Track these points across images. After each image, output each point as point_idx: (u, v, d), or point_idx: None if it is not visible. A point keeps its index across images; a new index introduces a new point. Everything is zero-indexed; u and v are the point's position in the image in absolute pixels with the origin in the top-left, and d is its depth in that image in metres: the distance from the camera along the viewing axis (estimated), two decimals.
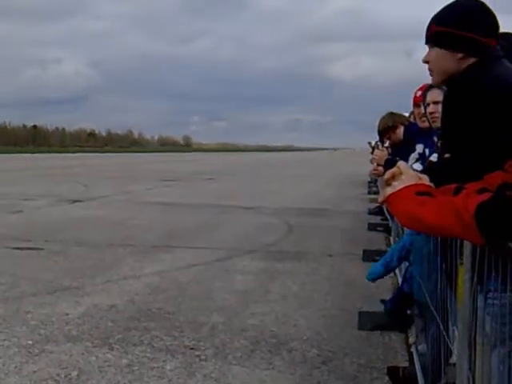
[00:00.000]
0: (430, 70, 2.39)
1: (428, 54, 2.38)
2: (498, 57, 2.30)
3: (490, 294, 2.00)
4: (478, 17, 2.29)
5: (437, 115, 3.85)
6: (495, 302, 1.99)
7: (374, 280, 4.62)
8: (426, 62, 2.39)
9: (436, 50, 2.33)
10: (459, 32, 2.28)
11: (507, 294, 1.82)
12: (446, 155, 2.37)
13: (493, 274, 1.87)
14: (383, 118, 5.80)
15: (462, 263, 2.17)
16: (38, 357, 4.18)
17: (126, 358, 4.19)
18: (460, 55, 2.30)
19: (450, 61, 2.31)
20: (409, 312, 4.54)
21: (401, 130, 5.52)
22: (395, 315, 4.61)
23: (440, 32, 2.32)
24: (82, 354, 4.25)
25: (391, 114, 5.79)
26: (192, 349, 4.40)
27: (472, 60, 2.29)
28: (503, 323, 1.90)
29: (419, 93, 4.35)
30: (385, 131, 5.76)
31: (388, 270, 4.53)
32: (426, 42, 2.39)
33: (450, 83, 2.34)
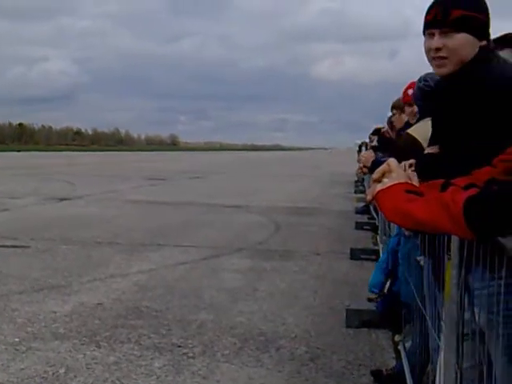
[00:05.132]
0: (441, 57, 2.21)
1: (452, 38, 2.19)
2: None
3: (477, 285, 2.02)
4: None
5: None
6: (483, 292, 2.00)
7: (380, 292, 4.57)
8: (439, 48, 2.20)
9: (463, 35, 2.18)
10: (486, 19, 2.19)
11: (495, 282, 1.84)
12: (428, 150, 2.33)
13: (480, 266, 1.88)
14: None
15: (449, 259, 2.19)
16: (24, 354, 4.15)
17: (114, 355, 4.18)
18: (483, 43, 2.19)
19: (473, 48, 2.18)
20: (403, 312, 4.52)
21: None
22: (388, 316, 4.59)
23: (468, 17, 2.17)
24: (70, 351, 4.24)
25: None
26: (180, 346, 4.39)
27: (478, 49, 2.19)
28: (490, 312, 1.92)
29: (410, 91, 4.28)
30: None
31: (387, 274, 4.50)
32: (442, 27, 2.19)
33: (460, 72, 2.19)
